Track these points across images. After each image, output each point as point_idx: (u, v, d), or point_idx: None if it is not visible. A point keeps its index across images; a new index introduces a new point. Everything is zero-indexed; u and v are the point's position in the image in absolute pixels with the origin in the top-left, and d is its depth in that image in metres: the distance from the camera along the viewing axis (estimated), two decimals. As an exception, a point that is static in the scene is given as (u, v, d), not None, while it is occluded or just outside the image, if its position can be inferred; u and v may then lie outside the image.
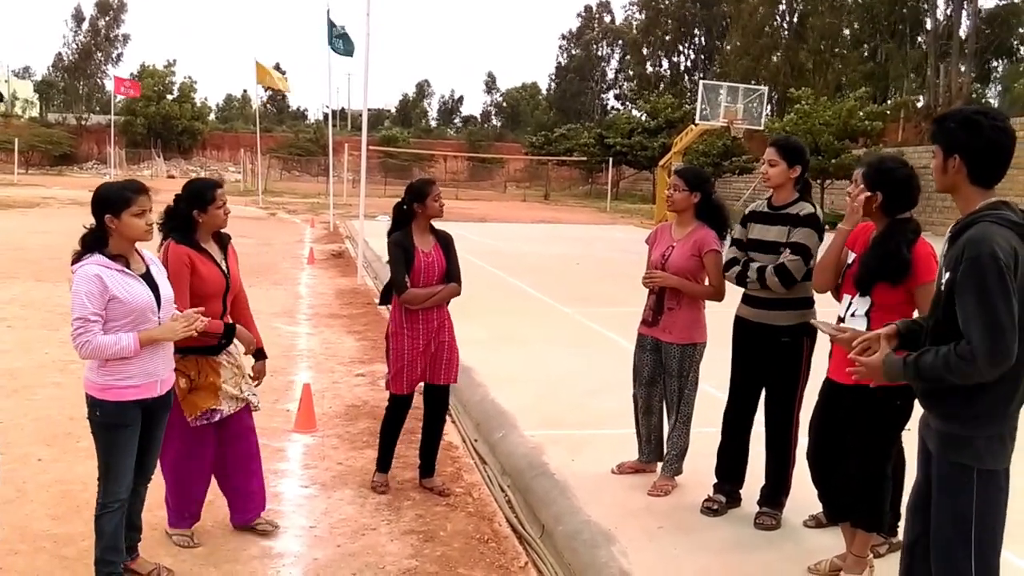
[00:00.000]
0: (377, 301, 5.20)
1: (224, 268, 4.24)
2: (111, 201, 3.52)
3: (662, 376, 5.00)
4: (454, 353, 5.07)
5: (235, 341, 4.33)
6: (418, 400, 5.23)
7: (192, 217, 4.14)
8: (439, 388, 5.08)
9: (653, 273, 4.91)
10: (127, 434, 3.59)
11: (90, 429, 3.64)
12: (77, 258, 3.53)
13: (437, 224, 5.10)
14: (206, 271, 4.12)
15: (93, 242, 3.54)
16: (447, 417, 6.61)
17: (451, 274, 5.00)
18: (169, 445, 4.21)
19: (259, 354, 4.49)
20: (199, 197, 4.15)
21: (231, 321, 4.32)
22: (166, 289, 3.70)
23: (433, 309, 4.95)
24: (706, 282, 4.90)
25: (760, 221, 4.63)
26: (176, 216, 4.16)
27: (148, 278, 3.64)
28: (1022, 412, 2.89)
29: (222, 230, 4.32)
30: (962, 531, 2.80)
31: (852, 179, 4.45)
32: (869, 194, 3.72)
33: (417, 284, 4.88)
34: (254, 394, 4.42)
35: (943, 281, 2.80)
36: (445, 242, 5.04)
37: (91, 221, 3.59)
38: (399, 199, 5.03)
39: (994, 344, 2.61)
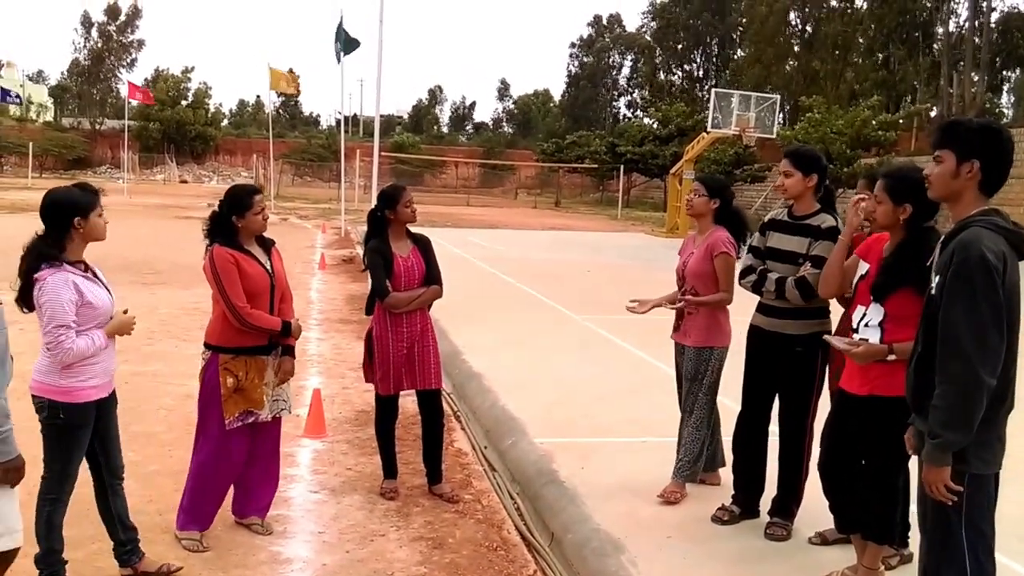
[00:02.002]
0: (364, 312, 5.21)
1: (268, 268, 4.34)
2: (79, 204, 3.59)
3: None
4: (438, 357, 5.10)
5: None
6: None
7: (232, 222, 4.25)
8: (429, 393, 5.09)
9: (683, 300, 4.93)
10: (85, 434, 3.71)
11: (43, 432, 3.67)
12: (35, 267, 3.52)
13: (414, 228, 5.14)
14: (251, 270, 4.25)
15: (54, 249, 3.55)
16: (456, 422, 6.66)
17: (431, 276, 5.02)
18: (202, 446, 4.32)
19: (287, 351, 4.49)
20: (238, 203, 4.28)
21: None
22: (112, 292, 3.80)
23: (416, 312, 4.98)
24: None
25: (780, 230, 4.60)
26: (218, 222, 4.30)
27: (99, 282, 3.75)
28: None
29: (264, 234, 4.44)
30: (953, 539, 2.84)
31: (859, 189, 4.42)
32: (891, 206, 3.68)
33: (398, 288, 4.91)
34: (286, 400, 4.50)
35: (934, 286, 2.87)
36: (423, 245, 5.07)
37: (40, 228, 3.60)
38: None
39: (981, 344, 2.68)
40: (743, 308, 4.88)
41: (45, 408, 3.63)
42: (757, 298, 4.66)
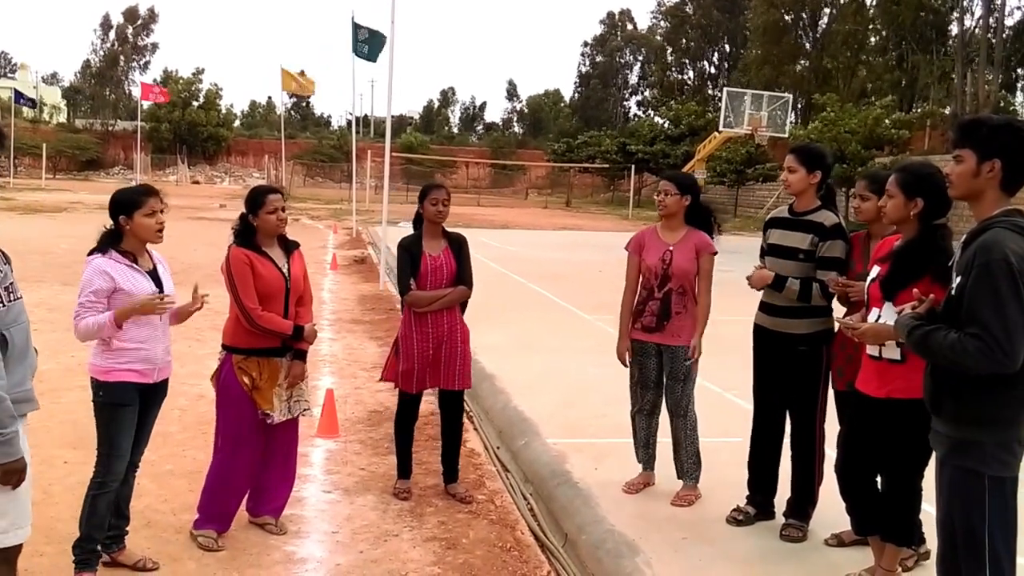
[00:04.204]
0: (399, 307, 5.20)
1: (285, 271, 4.35)
2: (124, 203, 3.86)
3: (664, 381, 4.95)
4: (467, 358, 5.04)
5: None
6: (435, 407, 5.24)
7: (250, 222, 4.31)
8: (452, 393, 5.07)
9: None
10: (128, 413, 3.85)
11: (93, 412, 3.86)
12: (90, 253, 3.86)
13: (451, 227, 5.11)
14: (265, 272, 4.27)
15: (109, 240, 3.85)
16: (469, 423, 6.64)
17: (462, 277, 4.98)
18: (219, 447, 4.36)
19: (298, 354, 4.46)
20: (252, 202, 4.33)
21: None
22: (169, 287, 3.99)
23: (443, 312, 4.94)
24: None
25: (780, 227, 4.60)
26: (240, 222, 4.36)
27: (154, 276, 3.95)
28: None
29: (289, 237, 4.47)
30: (975, 542, 2.81)
31: (858, 189, 4.39)
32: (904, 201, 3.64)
33: (424, 287, 4.88)
34: (306, 400, 4.51)
35: (954, 286, 2.83)
36: (457, 245, 5.02)
37: (109, 223, 3.90)
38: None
39: (999, 346, 2.63)
40: (736, 308, 4.84)
41: (93, 387, 3.83)
42: (756, 298, 4.65)
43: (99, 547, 3.86)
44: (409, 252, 4.92)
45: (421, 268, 4.87)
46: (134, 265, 3.85)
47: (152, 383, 3.91)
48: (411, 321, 4.94)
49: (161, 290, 3.91)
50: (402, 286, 4.92)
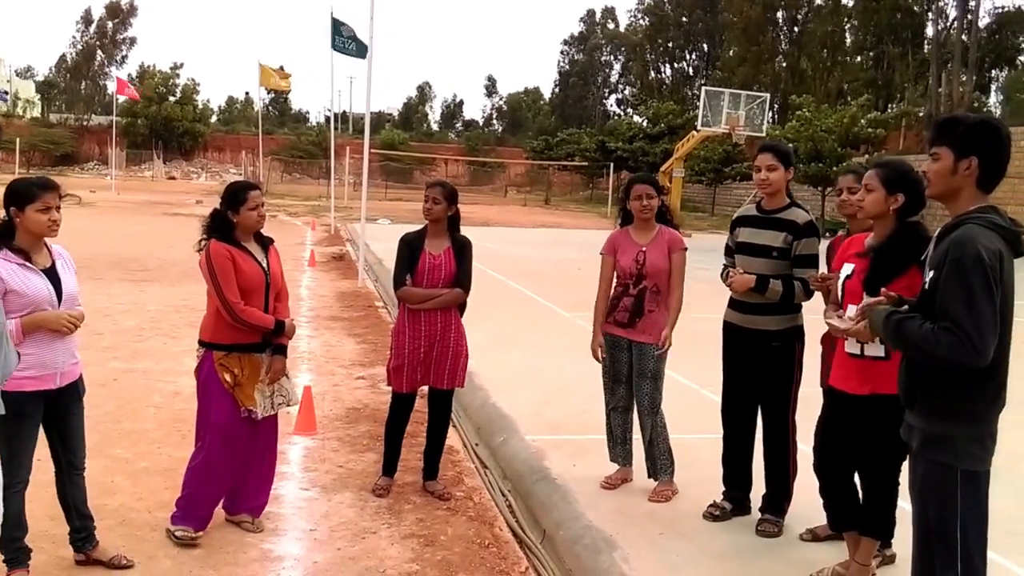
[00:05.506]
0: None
1: (264, 266, 4.32)
2: (17, 195, 3.59)
3: (634, 377, 4.97)
4: (460, 359, 5.03)
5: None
6: (422, 404, 5.22)
7: (228, 218, 4.26)
8: (441, 392, 5.06)
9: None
10: (27, 425, 3.61)
11: None
12: None
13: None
14: (246, 267, 4.24)
15: (1, 234, 3.60)
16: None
17: (459, 280, 4.96)
18: (201, 446, 4.30)
19: (278, 350, 4.43)
20: (233, 198, 4.28)
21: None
22: (69, 285, 3.73)
23: (437, 312, 4.92)
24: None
25: (750, 225, 4.62)
26: (216, 218, 4.30)
27: (52, 273, 3.68)
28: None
29: (263, 232, 4.44)
30: (947, 536, 2.82)
31: (848, 183, 4.43)
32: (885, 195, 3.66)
33: (420, 284, 4.87)
34: (285, 393, 4.47)
35: (927, 280, 2.85)
36: (460, 247, 5.00)
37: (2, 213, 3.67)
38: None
39: (971, 341, 2.65)
40: (713, 305, 4.87)
41: None
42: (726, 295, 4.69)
43: (25, 544, 3.74)
44: (410, 247, 4.92)
45: (419, 265, 4.87)
46: (27, 264, 3.57)
47: (56, 388, 3.66)
48: (404, 319, 4.93)
49: (58, 289, 3.65)
50: (396, 280, 4.91)
